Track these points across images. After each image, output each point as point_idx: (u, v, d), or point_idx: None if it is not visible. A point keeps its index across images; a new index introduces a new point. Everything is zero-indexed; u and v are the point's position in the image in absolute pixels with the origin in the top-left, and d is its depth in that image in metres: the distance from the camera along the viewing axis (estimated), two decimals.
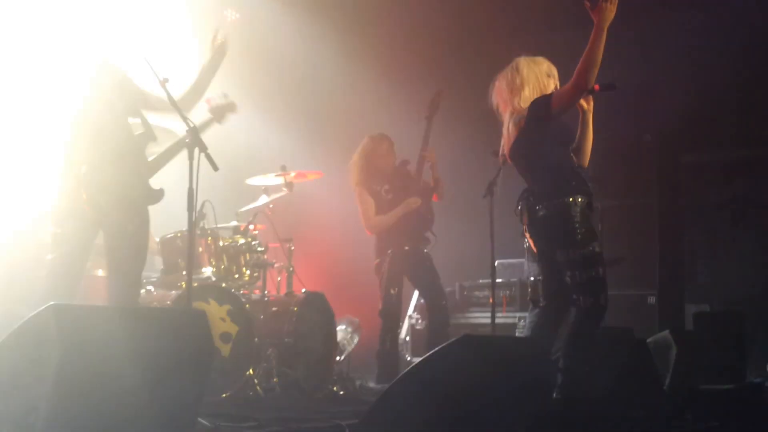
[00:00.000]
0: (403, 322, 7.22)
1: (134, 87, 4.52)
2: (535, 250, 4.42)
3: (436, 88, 6.57)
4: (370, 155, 6.31)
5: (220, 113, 5.06)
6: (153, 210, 4.59)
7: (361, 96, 8.45)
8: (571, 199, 4.14)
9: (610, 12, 3.92)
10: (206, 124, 4.99)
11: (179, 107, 4.19)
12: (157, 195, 4.53)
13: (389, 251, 6.16)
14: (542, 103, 4.20)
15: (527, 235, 4.39)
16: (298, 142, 8.26)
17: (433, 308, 6.33)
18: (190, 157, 4.09)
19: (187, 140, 4.13)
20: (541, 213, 4.20)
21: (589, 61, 3.95)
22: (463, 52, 8.17)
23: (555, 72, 4.40)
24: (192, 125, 4.13)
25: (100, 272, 5.59)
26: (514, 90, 4.33)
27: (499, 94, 4.42)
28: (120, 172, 4.33)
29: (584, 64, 3.98)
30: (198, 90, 4.77)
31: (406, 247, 6.19)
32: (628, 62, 6.87)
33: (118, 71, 4.46)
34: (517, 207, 4.37)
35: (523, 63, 4.37)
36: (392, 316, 6.22)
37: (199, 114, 4.91)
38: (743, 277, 7.19)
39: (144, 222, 4.44)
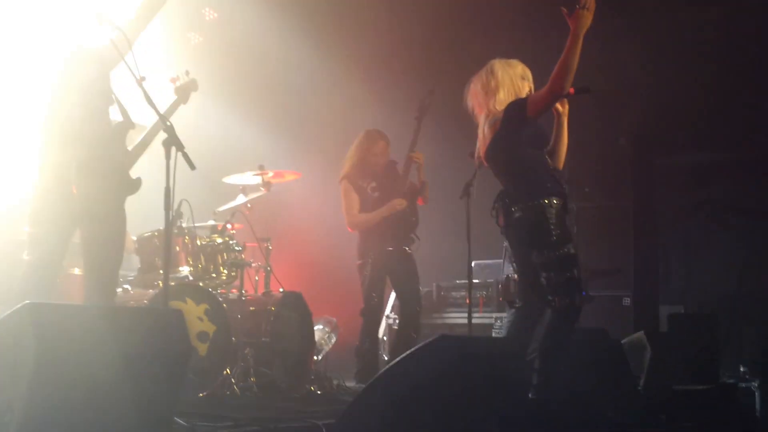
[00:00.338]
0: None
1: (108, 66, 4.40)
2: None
3: (426, 87, 6.35)
4: (364, 152, 6.17)
5: (184, 93, 5.01)
6: (130, 209, 4.56)
7: (340, 97, 8.45)
8: (546, 201, 4.17)
9: (587, 19, 3.96)
10: (173, 107, 4.94)
11: (155, 105, 4.16)
12: (136, 184, 4.49)
13: (372, 253, 6.04)
14: (517, 107, 4.23)
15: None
16: (276, 141, 8.25)
17: (405, 314, 6.22)
18: (167, 156, 4.05)
19: (163, 139, 4.10)
20: (517, 215, 4.23)
21: (565, 67, 3.99)
22: (443, 54, 8.19)
23: (529, 75, 4.44)
24: (169, 124, 4.10)
25: (77, 271, 5.56)
26: (489, 92, 4.36)
27: (474, 96, 4.45)
28: (102, 163, 4.29)
29: (560, 69, 4.01)
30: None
31: (390, 248, 6.06)
32: (603, 66, 6.92)
33: (91, 57, 4.36)
34: (493, 208, 4.40)
35: (498, 66, 4.41)
36: (373, 317, 6.15)
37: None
38: (717, 278, 7.27)
39: (122, 215, 4.41)
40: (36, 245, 4.20)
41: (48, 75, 4.24)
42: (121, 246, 4.44)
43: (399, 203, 6.06)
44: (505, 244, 4.85)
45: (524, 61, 4.48)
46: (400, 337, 6.27)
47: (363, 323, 6.11)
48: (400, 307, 6.39)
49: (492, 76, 4.37)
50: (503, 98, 4.32)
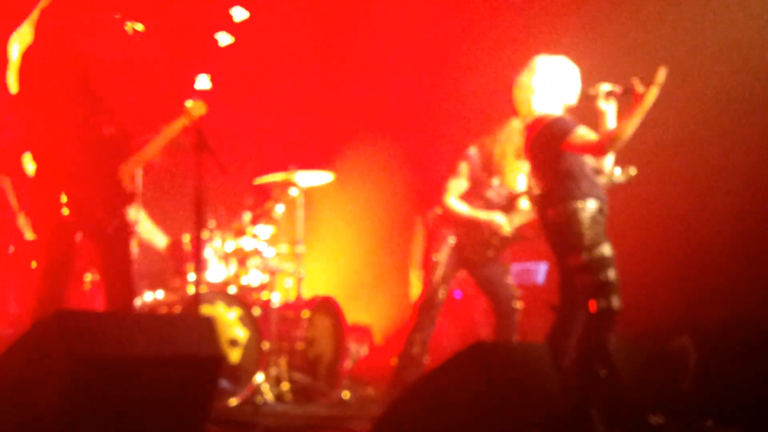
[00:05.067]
0: None
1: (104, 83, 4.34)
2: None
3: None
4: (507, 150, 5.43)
5: (191, 116, 4.83)
6: (162, 213, 4.53)
7: (374, 97, 8.36)
8: (580, 204, 4.12)
9: (654, 96, 3.99)
10: (175, 127, 4.80)
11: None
12: (132, 196, 4.44)
13: (450, 238, 5.46)
14: (557, 133, 4.18)
15: None
16: (308, 143, 8.20)
17: (500, 311, 5.50)
18: (197, 160, 4.04)
19: (194, 143, 4.07)
20: (552, 217, 4.20)
21: (620, 136, 4.04)
22: (475, 53, 8.06)
23: (575, 70, 4.36)
24: (198, 127, 4.07)
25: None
26: (529, 90, 4.32)
27: (516, 93, 4.40)
28: (95, 171, 4.25)
29: (614, 136, 4.06)
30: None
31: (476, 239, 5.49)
32: None
33: (83, 63, 4.29)
34: (532, 210, 4.36)
35: (541, 63, 4.35)
36: (432, 314, 5.42)
37: None
38: None
39: (124, 225, 4.36)
40: (41, 253, 4.16)
41: (43, 80, 4.19)
42: (129, 250, 4.37)
43: (500, 225, 5.46)
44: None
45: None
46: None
47: (416, 322, 5.44)
48: (493, 308, 5.57)
49: (534, 73, 4.33)
50: (543, 97, 4.29)
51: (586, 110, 4.30)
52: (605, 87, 4.23)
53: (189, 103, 4.77)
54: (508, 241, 5.56)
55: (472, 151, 5.54)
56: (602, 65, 4.42)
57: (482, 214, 5.45)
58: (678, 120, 6.42)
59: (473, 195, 5.52)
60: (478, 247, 5.50)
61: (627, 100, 4.15)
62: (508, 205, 5.54)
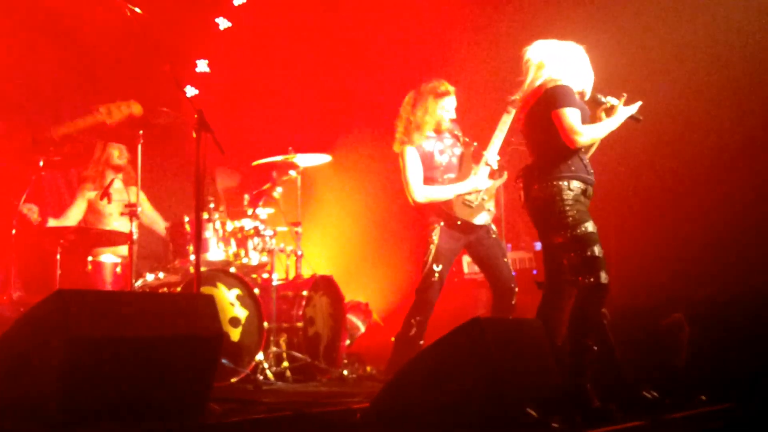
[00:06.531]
0: None
1: None
2: None
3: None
4: (428, 104, 5.48)
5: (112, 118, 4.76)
6: (162, 194, 4.55)
7: (371, 79, 8.36)
8: (565, 183, 4.15)
9: (620, 116, 4.31)
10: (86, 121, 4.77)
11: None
12: None
13: (440, 222, 5.43)
14: (553, 98, 4.21)
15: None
16: (306, 124, 8.21)
17: (498, 292, 5.49)
18: (197, 141, 4.05)
19: (194, 124, 4.07)
20: (535, 193, 4.22)
21: (590, 138, 4.22)
22: (478, 34, 8.03)
23: (579, 48, 4.38)
24: (198, 109, 4.08)
25: (102, 258, 5.57)
26: (542, 58, 4.35)
27: (528, 61, 4.41)
28: None
29: (588, 136, 4.19)
30: None
31: (459, 222, 5.45)
32: None
33: None
34: (516, 181, 4.39)
35: (558, 42, 4.40)
36: (429, 296, 5.41)
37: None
38: None
39: None
40: None
41: None
42: None
43: (479, 183, 5.48)
44: None
45: None
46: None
47: (414, 304, 5.45)
48: (492, 288, 5.58)
49: (546, 46, 4.38)
50: (553, 67, 4.31)
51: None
52: (612, 100, 4.34)
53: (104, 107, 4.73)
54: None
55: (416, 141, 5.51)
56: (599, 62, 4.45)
57: (461, 187, 5.44)
58: (672, 104, 6.45)
59: (433, 169, 5.51)
60: (465, 225, 5.46)
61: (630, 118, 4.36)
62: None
